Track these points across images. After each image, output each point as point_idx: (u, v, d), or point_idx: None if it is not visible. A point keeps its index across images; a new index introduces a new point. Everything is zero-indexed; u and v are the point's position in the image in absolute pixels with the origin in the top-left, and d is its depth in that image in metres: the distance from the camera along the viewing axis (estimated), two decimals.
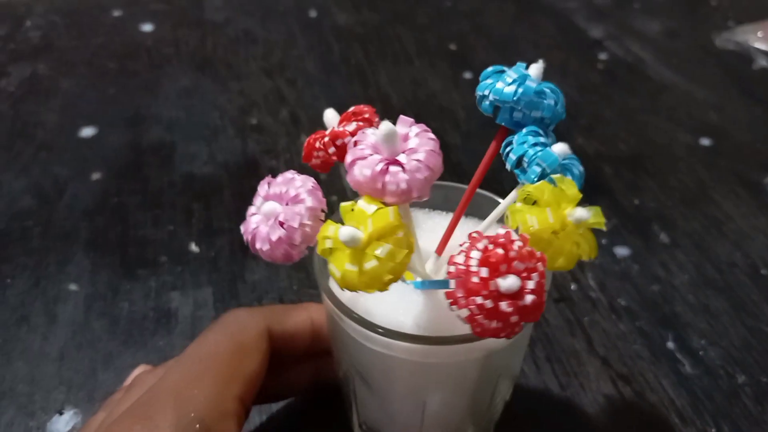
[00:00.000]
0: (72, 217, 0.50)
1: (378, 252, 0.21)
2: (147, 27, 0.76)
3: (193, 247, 0.47)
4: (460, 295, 0.21)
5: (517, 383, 0.34)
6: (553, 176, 0.24)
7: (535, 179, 0.24)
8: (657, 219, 0.51)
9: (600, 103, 0.65)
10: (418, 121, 0.24)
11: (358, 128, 0.25)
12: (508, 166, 0.26)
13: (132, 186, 0.53)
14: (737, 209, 0.53)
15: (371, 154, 0.23)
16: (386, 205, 0.23)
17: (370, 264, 0.22)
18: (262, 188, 0.26)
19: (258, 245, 0.25)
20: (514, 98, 0.25)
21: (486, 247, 0.21)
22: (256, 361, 0.30)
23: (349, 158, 0.23)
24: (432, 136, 0.24)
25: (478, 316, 0.21)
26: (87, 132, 0.59)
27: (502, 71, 0.26)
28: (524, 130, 0.26)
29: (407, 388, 0.29)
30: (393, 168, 0.23)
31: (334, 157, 0.26)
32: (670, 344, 0.41)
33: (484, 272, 0.21)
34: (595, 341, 0.41)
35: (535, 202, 0.23)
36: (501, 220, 0.28)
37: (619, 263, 0.47)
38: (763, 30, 0.75)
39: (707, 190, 0.54)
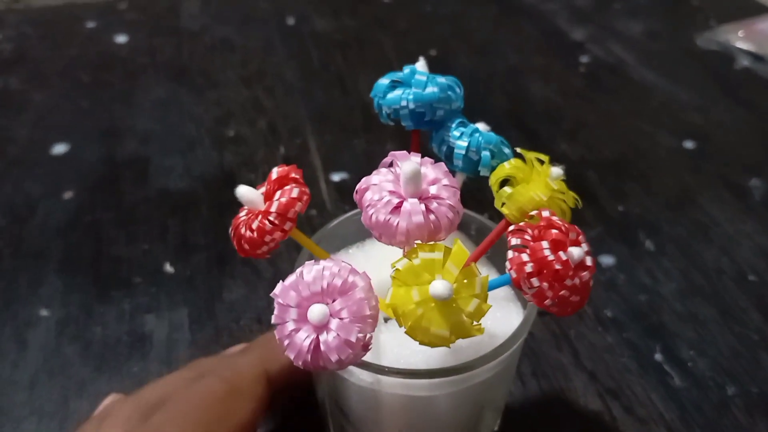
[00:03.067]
0: (44, 236, 0.49)
1: (470, 308, 0.21)
2: (122, 38, 0.75)
3: (168, 267, 0.46)
4: (546, 286, 0.21)
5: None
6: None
7: (491, 163, 0.25)
8: (642, 225, 0.50)
9: (583, 107, 0.65)
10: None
11: (302, 193, 0.24)
12: (458, 163, 0.26)
13: (106, 202, 0.52)
14: (723, 213, 0.52)
15: (404, 199, 0.22)
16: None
17: (462, 317, 0.21)
18: (287, 296, 0.21)
19: (332, 358, 0.20)
20: (437, 98, 0.25)
21: (542, 233, 0.22)
22: (249, 407, 0.28)
23: (381, 213, 0.22)
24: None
25: (571, 298, 0.22)
26: (59, 148, 0.57)
27: (398, 81, 0.26)
28: (453, 123, 0.26)
29: (388, 421, 0.28)
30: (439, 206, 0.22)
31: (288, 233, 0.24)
32: (658, 356, 0.41)
33: (563, 255, 0.21)
34: (582, 354, 0.41)
35: (506, 181, 0.24)
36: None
37: (604, 273, 0.46)
38: (745, 29, 0.74)
39: (692, 194, 0.54)
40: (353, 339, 0.20)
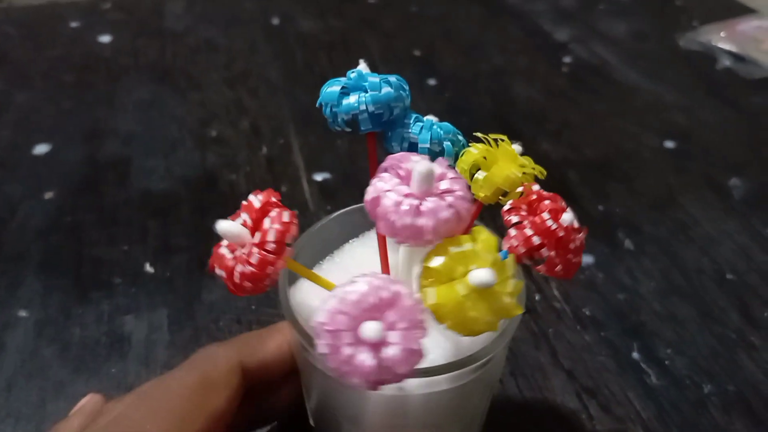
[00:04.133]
0: (24, 238, 0.48)
1: (509, 289, 0.21)
2: (105, 38, 0.75)
3: (148, 268, 0.46)
4: (554, 254, 0.22)
5: None
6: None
7: (454, 150, 0.26)
8: (623, 225, 0.50)
9: (566, 107, 0.65)
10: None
11: (292, 216, 0.23)
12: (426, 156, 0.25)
13: (87, 203, 0.51)
14: (704, 213, 0.52)
15: (421, 198, 0.22)
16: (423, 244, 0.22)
17: (505, 300, 0.21)
18: (336, 321, 0.20)
19: (400, 371, 0.20)
20: (393, 97, 0.25)
21: (535, 206, 0.23)
22: (222, 397, 0.28)
23: (406, 217, 0.21)
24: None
25: (574, 260, 0.23)
26: (41, 149, 0.57)
27: (347, 89, 0.25)
28: (410, 120, 0.26)
29: (384, 422, 0.28)
30: (459, 201, 0.22)
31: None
32: (636, 355, 0.41)
33: (564, 222, 0.23)
34: (560, 353, 0.41)
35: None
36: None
37: (583, 272, 0.46)
38: (726, 30, 0.75)
39: (674, 194, 0.54)
40: (416, 347, 0.20)
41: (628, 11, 0.83)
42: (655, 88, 0.68)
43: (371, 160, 0.26)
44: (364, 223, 0.32)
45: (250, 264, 0.22)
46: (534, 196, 0.24)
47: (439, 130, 0.26)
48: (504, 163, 0.24)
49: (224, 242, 0.23)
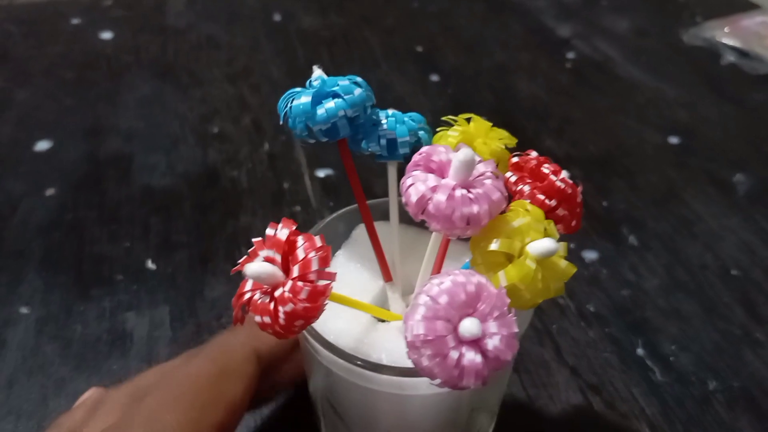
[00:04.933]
0: (25, 235, 0.48)
1: (563, 251, 0.22)
2: (107, 35, 0.74)
3: (150, 264, 0.45)
4: (566, 212, 0.24)
5: None
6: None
7: (429, 139, 0.26)
8: (626, 221, 0.50)
9: (569, 104, 0.65)
10: None
11: (322, 238, 0.21)
12: (405, 150, 0.26)
13: (88, 200, 0.51)
14: (707, 209, 0.52)
15: (468, 188, 0.22)
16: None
17: (562, 263, 0.22)
18: (435, 329, 0.19)
19: (507, 358, 0.20)
20: (366, 98, 0.24)
21: (537, 171, 0.24)
22: (239, 386, 0.28)
23: (465, 208, 0.21)
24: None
25: (581, 212, 0.24)
26: (42, 145, 0.57)
27: (317, 99, 0.24)
28: (383, 117, 0.26)
29: (380, 419, 0.28)
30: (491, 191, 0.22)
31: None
32: (640, 351, 0.41)
33: (566, 175, 0.24)
34: (564, 350, 0.41)
35: None
36: None
37: (587, 268, 0.46)
38: (730, 25, 0.74)
39: (677, 190, 0.54)
40: (516, 329, 0.20)
41: (630, 7, 0.83)
42: (658, 84, 0.67)
43: (349, 167, 0.26)
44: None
45: (300, 300, 0.20)
46: (534, 162, 0.25)
47: (411, 121, 0.26)
48: (483, 138, 0.25)
49: (248, 287, 0.21)
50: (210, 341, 0.31)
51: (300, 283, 0.20)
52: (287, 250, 0.21)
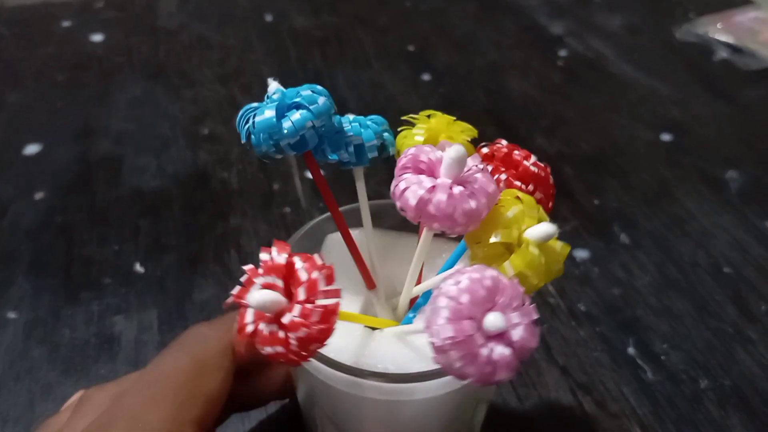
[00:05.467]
0: (14, 238, 0.48)
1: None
2: (98, 36, 0.74)
3: (138, 267, 0.45)
4: (542, 195, 0.25)
5: None
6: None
7: (393, 140, 0.26)
8: (618, 219, 0.50)
9: (561, 102, 0.64)
10: None
11: (321, 256, 0.21)
12: (373, 154, 0.26)
13: (78, 203, 0.51)
14: (700, 206, 0.52)
15: (463, 184, 0.22)
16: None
17: (559, 244, 0.22)
18: (462, 329, 0.19)
19: (533, 344, 0.20)
20: (330, 107, 0.24)
21: (509, 158, 0.25)
22: (216, 380, 0.28)
23: (466, 203, 0.21)
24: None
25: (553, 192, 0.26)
26: (32, 149, 0.57)
27: (280, 112, 0.23)
28: (346, 124, 0.25)
29: (369, 425, 0.28)
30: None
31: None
32: (631, 350, 0.40)
33: (535, 158, 0.25)
34: (555, 349, 0.40)
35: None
36: None
37: (578, 266, 0.46)
38: (723, 21, 0.74)
39: (669, 188, 0.54)
40: (536, 315, 0.20)
41: (623, 4, 0.82)
42: (650, 82, 0.67)
43: (319, 178, 0.26)
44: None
45: (313, 323, 0.19)
46: (504, 150, 0.25)
47: (374, 124, 0.25)
48: (446, 133, 0.25)
49: (248, 318, 0.20)
50: (186, 332, 0.30)
51: (309, 306, 0.19)
52: (286, 273, 0.21)
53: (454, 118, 0.27)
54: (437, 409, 0.27)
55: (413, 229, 0.30)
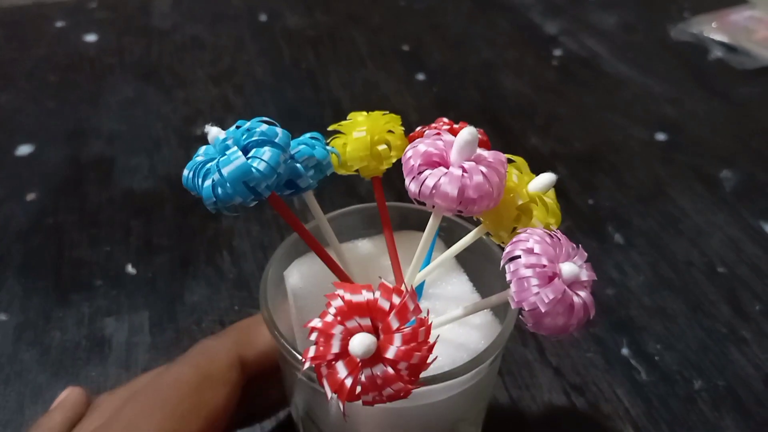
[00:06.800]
0: (5, 240, 0.48)
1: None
2: (91, 37, 0.74)
3: (130, 269, 0.45)
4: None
5: None
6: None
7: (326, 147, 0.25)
8: (612, 219, 0.50)
9: (555, 101, 0.64)
10: None
11: (413, 294, 0.19)
12: (330, 170, 0.25)
13: (69, 204, 0.51)
14: (694, 205, 0.51)
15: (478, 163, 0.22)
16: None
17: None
18: (556, 289, 0.19)
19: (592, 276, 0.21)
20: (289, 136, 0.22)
21: (457, 130, 0.23)
22: (222, 394, 0.27)
23: (478, 183, 0.21)
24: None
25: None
26: (24, 149, 0.56)
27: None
28: (292, 150, 0.23)
29: None
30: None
31: None
32: (625, 350, 0.40)
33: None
34: (548, 350, 0.40)
35: None
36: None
37: None
38: (718, 20, 0.74)
39: (663, 187, 0.53)
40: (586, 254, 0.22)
41: (618, 3, 0.82)
42: (645, 80, 0.67)
43: (290, 216, 0.24)
44: (356, 224, 0.31)
45: (422, 345, 0.18)
46: (446, 127, 0.26)
47: (310, 139, 0.24)
48: (379, 124, 0.25)
49: (342, 374, 0.18)
50: (195, 346, 0.30)
51: (408, 330, 0.18)
52: (382, 312, 0.19)
53: (384, 112, 0.26)
54: (435, 414, 0.26)
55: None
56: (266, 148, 0.21)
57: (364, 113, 0.26)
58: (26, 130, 0.59)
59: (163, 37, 0.74)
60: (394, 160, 0.26)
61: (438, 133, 0.22)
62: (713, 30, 0.73)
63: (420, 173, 0.21)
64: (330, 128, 0.25)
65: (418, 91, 0.65)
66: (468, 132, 0.21)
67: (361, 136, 0.25)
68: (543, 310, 0.19)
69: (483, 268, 0.30)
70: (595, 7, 0.81)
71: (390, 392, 0.18)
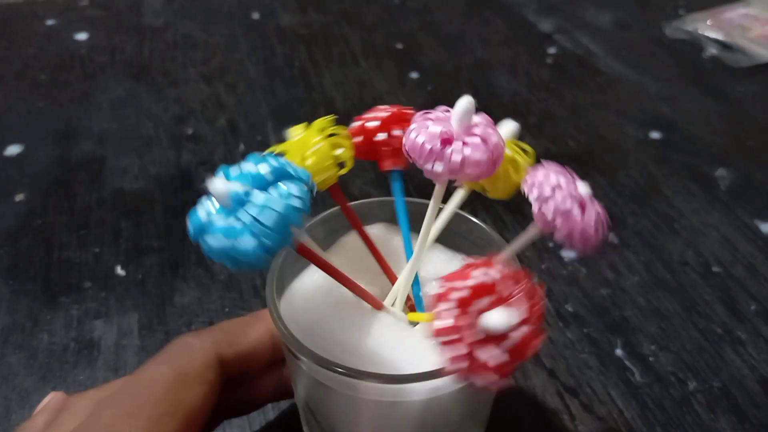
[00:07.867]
0: None
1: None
2: (82, 35, 0.73)
3: (119, 270, 0.44)
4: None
5: None
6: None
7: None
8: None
9: (549, 99, 0.64)
10: None
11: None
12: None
13: (58, 205, 0.50)
14: (689, 204, 0.51)
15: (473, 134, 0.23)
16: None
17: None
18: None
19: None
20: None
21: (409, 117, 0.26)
22: (198, 393, 0.27)
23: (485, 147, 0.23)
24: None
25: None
26: (12, 150, 0.56)
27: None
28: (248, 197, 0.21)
29: (364, 427, 0.27)
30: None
31: None
32: (619, 351, 0.40)
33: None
34: (542, 352, 0.40)
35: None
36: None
37: (566, 267, 0.45)
38: (713, 18, 0.74)
39: (658, 186, 0.53)
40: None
41: (612, 0, 0.82)
42: (640, 78, 0.67)
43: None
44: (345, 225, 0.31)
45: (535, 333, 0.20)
46: (386, 113, 0.26)
47: (269, 157, 0.22)
48: (320, 136, 0.26)
49: (483, 356, 0.19)
50: (173, 342, 0.29)
51: (519, 290, 0.20)
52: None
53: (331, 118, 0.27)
54: (436, 409, 0.26)
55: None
56: (289, 184, 0.20)
57: (300, 126, 0.27)
58: (15, 130, 0.58)
59: (155, 35, 0.73)
60: (351, 165, 0.26)
61: (426, 113, 0.23)
62: (708, 28, 0.73)
63: (441, 152, 0.22)
64: (275, 150, 0.24)
65: (411, 89, 0.65)
66: (466, 100, 0.22)
67: (319, 147, 0.25)
68: (591, 233, 0.23)
69: (461, 244, 0.31)
70: (590, 4, 0.81)
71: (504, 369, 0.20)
